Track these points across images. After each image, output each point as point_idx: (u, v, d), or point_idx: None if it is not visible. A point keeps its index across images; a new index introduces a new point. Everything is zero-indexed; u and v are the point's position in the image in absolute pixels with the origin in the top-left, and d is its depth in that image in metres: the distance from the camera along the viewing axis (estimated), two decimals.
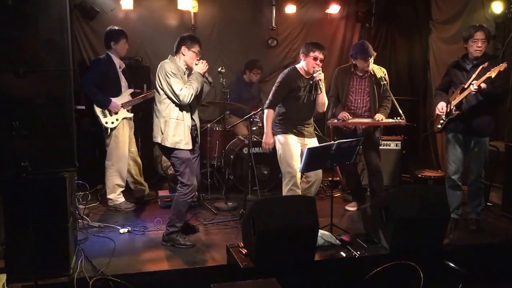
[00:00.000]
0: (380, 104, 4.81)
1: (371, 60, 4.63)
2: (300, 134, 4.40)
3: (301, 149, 4.35)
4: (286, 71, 4.44)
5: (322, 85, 4.28)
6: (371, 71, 4.73)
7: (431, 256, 3.57)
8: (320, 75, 4.21)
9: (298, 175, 4.30)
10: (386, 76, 4.80)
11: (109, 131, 4.83)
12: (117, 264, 3.56)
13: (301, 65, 4.35)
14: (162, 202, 5.10)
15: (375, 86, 4.76)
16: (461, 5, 5.94)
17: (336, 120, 4.72)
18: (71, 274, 3.30)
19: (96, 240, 4.07)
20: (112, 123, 4.83)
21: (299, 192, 4.34)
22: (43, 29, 3.12)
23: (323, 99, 4.36)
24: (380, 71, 4.77)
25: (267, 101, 4.43)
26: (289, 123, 4.37)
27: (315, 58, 4.21)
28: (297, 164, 4.26)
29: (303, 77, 4.34)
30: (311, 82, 4.30)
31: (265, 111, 4.44)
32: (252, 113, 4.85)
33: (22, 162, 2.99)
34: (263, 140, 4.45)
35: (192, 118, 4.05)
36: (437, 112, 4.43)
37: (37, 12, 3.10)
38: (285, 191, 4.34)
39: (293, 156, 4.30)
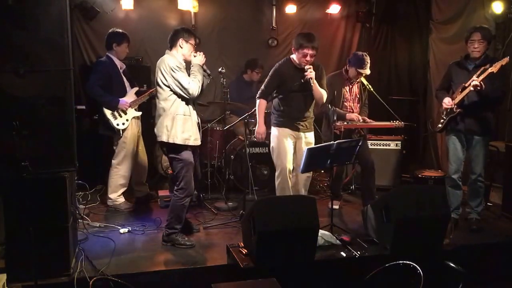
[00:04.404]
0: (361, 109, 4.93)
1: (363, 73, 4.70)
2: (295, 128, 4.38)
3: (295, 143, 4.40)
4: (280, 62, 4.44)
5: (315, 82, 4.24)
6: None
7: (431, 256, 3.56)
8: (310, 74, 4.16)
9: (289, 168, 4.35)
10: (368, 83, 4.89)
11: (121, 132, 4.81)
12: (117, 264, 3.56)
13: (294, 57, 4.33)
14: (162, 202, 5.10)
15: (362, 92, 4.88)
16: (461, 5, 5.94)
17: (346, 123, 4.69)
18: (71, 274, 3.30)
19: (96, 240, 4.07)
20: (123, 124, 4.81)
21: (289, 184, 4.38)
22: (43, 29, 3.12)
23: (319, 93, 4.32)
24: (364, 79, 4.84)
25: (259, 91, 4.43)
26: (286, 118, 4.37)
27: (305, 55, 4.18)
28: (288, 159, 4.34)
29: (296, 70, 4.31)
30: (302, 80, 4.24)
31: (257, 101, 4.45)
32: (247, 114, 4.82)
33: (22, 162, 2.99)
34: (255, 130, 4.47)
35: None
36: (444, 106, 4.40)
37: (37, 12, 3.09)
38: (276, 182, 4.42)
39: (284, 152, 4.34)
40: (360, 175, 5.11)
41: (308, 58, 4.18)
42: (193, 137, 3.92)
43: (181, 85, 3.80)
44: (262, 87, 4.43)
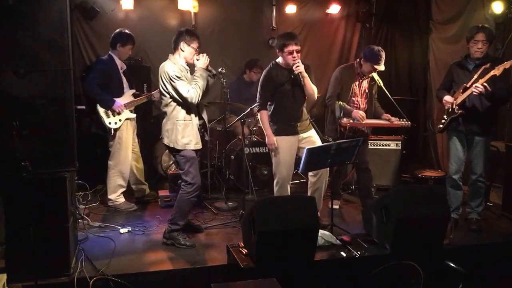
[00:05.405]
0: (375, 105, 4.88)
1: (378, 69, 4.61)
2: (293, 132, 4.30)
3: (298, 146, 4.32)
4: (266, 69, 4.34)
5: (305, 75, 4.16)
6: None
7: (431, 256, 3.57)
8: (299, 68, 4.08)
9: (288, 176, 4.32)
10: (379, 79, 4.79)
11: (112, 131, 4.82)
12: (117, 264, 3.57)
13: (280, 60, 4.26)
14: (162, 202, 5.10)
15: (371, 88, 4.80)
16: (461, 5, 5.94)
17: (352, 121, 4.62)
18: (72, 274, 3.31)
19: (96, 240, 4.08)
20: (115, 123, 4.82)
21: (287, 192, 4.35)
22: (43, 29, 3.12)
23: (311, 88, 4.24)
24: (375, 74, 4.74)
25: (258, 104, 4.34)
26: (281, 122, 4.29)
27: (291, 52, 4.09)
28: (287, 168, 4.28)
29: (284, 70, 4.23)
30: (292, 76, 4.19)
31: (258, 114, 4.38)
32: (243, 113, 4.79)
33: (22, 162, 3.00)
34: (266, 142, 4.37)
35: (201, 117, 4.05)
36: (445, 104, 4.36)
37: (37, 12, 3.10)
38: (275, 189, 4.37)
39: (282, 162, 4.28)
40: (356, 175, 5.10)
41: (295, 54, 4.10)
42: (194, 142, 3.94)
43: (180, 94, 3.81)
44: (259, 98, 4.32)
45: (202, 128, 4.11)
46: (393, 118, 4.75)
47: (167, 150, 5.01)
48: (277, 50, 4.25)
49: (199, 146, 3.99)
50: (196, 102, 3.85)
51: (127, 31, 4.95)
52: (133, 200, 5.15)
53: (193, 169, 3.94)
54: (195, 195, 3.98)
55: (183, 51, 3.92)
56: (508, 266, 3.91)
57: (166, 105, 3.92)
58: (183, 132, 3.89)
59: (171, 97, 3.87)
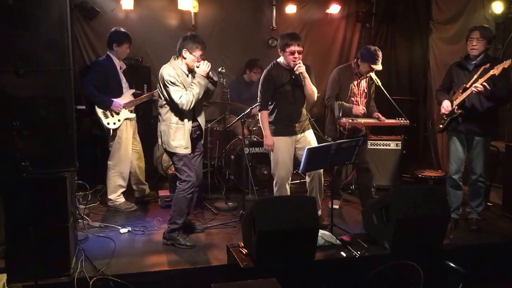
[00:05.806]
0: (370, 104, 4.87)
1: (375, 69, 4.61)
2: (291, 132, 4.31)
3: (295, 146, 4.34)
4: (267, 68, 4.35)
5: (306, 75, 4.17)
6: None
7: (431, 256, 3.57)
8: (300, 68, 4.09)
9: (287, 177, 4.32)
10: (377, 78, 4.80)
11: (111, 132, 4.83)
12: (117, 264, 3.57)
13: (281, 60, 4.27)
14: (162, 202, 5.10)
15: (369, 87, 4.81)
16: (461, 5, 5.94)
17: (351, 120, 4.60)
18: (72, 274, 3.31)
19: (96, 240, 4.08)
20: (114, 123, 4.82)
21: (287, 192, 4.36)
22: (43, 29, 3.12)
23: (310, 89, 4.24)
24: (373, 73, 4.76)
25: (259, 104, 4.35)
26: (279, 122, 4.29)
27: (292, 53, 4.10)
28: (284, 169, 4.29)
29: (285, 70, 4.25)
30: (293, 76, 4.20)
31: (259, 114, 4.39)
32: (243, 113, 4.78)
33: (22, 162, 3.00)
34: (264, 142, 4.39)
35: (196, 119, 4.05)
36: (442, 111, 4.40)
37: (37, 12, 3.10)
38: (275, 190, 4.38)
39: (281, 163, 4.29)
40: (356, 175, 5.10)
41: (296, 55, 4.11)
42: (184, 146, 3.94)
43: (172, 99, 3.82)
44: (260, 98, 4.33)
45: (197, 131, 4.10)
46: (382, 117, 4.76)
47: None
48: (279, 49, 4.25)
49: (188, 151, 3.98)
50: (187, 108, 3.83)
51: (122, 29, 4.93)
52: (133, 200, 5.15)
53: (186, 167, 3.95)
54: (190, 192, 3.98)
55: (185, 58, 3.91)
56: (508, 266, 3.92)
57: (161, 107, 3.96)
58: (174, 135, 3.91)
59: (165, 99, 3.90)
